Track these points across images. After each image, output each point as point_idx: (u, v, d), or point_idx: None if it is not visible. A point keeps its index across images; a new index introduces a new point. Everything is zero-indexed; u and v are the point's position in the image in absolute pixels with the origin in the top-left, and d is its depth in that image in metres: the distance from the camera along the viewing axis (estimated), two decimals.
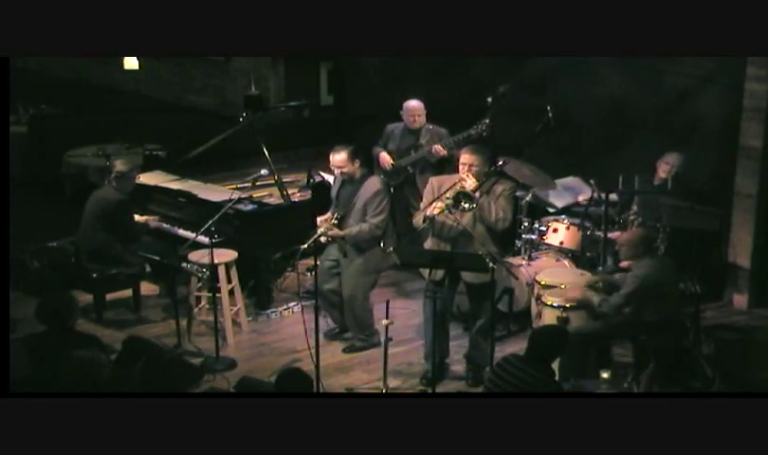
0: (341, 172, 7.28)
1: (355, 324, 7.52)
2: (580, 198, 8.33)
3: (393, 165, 8.66)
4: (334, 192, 7.52)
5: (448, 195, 6.56)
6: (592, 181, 8.05)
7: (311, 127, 10.44)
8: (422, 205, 6.90)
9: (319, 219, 7.37)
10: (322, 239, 7.18)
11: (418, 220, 6.79)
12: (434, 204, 6.67)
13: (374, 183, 7.31)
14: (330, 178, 7.78)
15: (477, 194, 6.56)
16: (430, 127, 8.63)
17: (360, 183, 7.28)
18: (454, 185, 6.65)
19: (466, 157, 6.69)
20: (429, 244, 6.90)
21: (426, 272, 6.89)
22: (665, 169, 7.85)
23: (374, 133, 9.00)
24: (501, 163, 6.90)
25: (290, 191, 8.29)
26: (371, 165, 8.67)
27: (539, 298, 7.16)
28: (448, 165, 8.32)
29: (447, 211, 6.57)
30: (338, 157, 7.23)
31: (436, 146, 8.46)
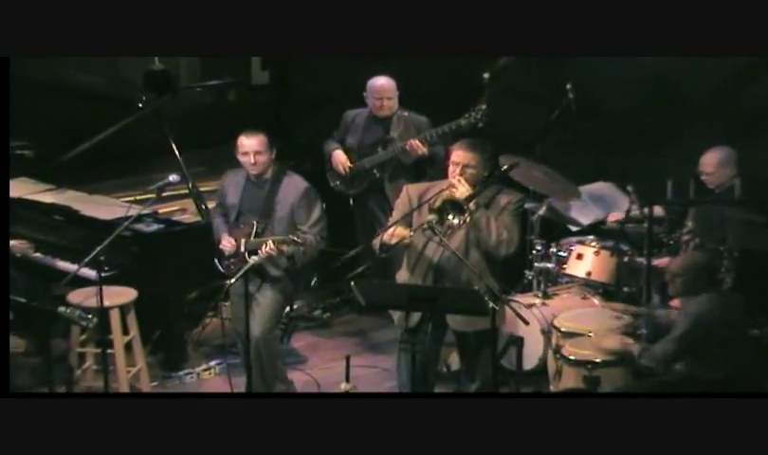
0: (253, 163, 7.30)
1: (266, 371, 7.48)
2: (612, 216, 8.29)
3: (350, 168, 8.54)
4: (235, 199, 7.47)
5: (432, 209, 6.42)
6: (629, 188, 7.95)
7: (239, 115, 10.32)
8: (391, 221, 6.78)
9: (226, 241, 7.36)
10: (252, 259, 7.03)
11: (379, 242, 6.69)
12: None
13: (298, 181, 7.34)
14: (235, 180, 7.61)
15: (471, 205, 6.42)
16: (405, 114, 8.51)
17: (275, 183, 7.33)
18: (441, 192, 6.50)
19: (459, 155, 6.59)
20: (402, 276, 6.77)
21: (399, 316, 6.77)
22: (705, 171, 7.70)
23: (328, 123, 8.90)
24: (506, 166, 6.80)
25: (210, 205, 8.14)
26: (323, 167, 8.58)
27: (558, 350, 7.13)
28: (431, 168, 8.21)
29: (428, 228, 6.48)
30: (253, 140, 7.29)
31: (413, 141, 8.29)
